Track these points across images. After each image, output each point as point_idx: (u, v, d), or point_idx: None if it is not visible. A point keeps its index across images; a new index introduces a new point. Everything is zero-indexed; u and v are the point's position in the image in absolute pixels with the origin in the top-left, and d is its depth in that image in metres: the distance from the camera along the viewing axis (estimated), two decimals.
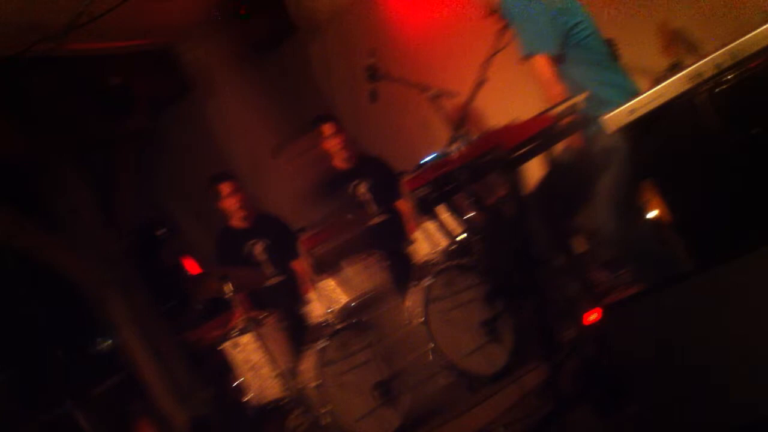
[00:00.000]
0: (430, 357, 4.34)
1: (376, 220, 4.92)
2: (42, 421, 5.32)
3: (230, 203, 5.37)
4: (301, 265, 5.00)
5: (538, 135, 3.19)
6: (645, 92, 2.66)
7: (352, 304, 4.55)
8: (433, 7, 6.05)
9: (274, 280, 5.01)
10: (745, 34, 2.53)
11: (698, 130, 2.61)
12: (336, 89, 6.43)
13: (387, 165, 5.40)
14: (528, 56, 3.34)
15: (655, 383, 2.43)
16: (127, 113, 6.52)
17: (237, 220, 5.40)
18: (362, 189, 5.18)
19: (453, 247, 4.58)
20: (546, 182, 3.57)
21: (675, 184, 2.73)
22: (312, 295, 4.61)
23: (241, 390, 4.62)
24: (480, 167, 3.28)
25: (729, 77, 2.55)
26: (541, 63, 3.33)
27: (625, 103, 2.69)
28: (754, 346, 2.27)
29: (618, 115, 2.70)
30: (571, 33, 3.38)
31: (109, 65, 6.31)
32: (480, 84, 3.56)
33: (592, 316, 3.06)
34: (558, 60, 3.34)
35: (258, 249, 5.21)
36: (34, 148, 5.82)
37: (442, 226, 4.61)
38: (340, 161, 5.37)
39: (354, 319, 4.50)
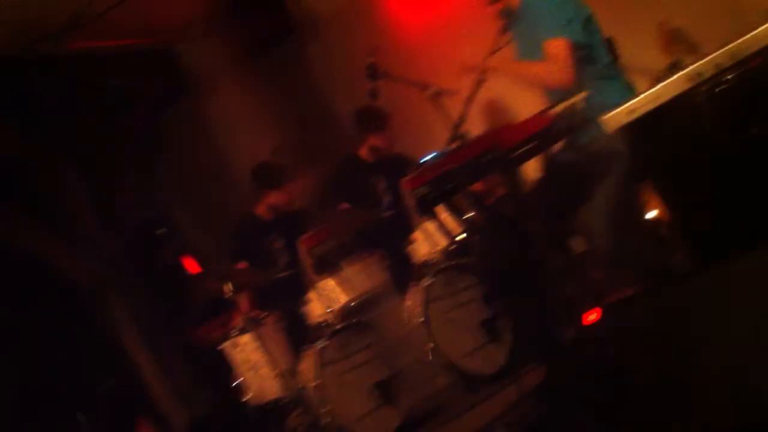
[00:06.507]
0: (430, 357, 4.34)
1: (383, 216, 4.92)
2: (42, 421, 5.31)
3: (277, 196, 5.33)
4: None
5: (537, 135, 3.19)
6: (645, 92, 2.66)
7: (352, 304, 4.55)
8: (433, 5, 6.04)
9: (283, 275, 5.00)
10: (745, 34, 2.53)
11: (698, 130, 2.61)
12: (336, 89, 6.43)
13: (406, 162, 5.31)
14: (551, 38, 3.32)
15: (656, 383, 2.43)
16: (127, 113, 6.51)
17: (264, 211, 5.37)
18: (382, 185, 5.17)
19: (453, 247, 4.57)
20: (545, 182, 3.57)
21: (675, 184, 2.72)
22: (312, 295, 4.61)
23: (241, 390, 4.62)
24: (480, 167, 3.27)
25: (729, 77, 2.54)
26: (561, 45, 3.32)
27: (624, 103, 2.69)
28: (754, 346, 2.27)
29: (618, 115, 2.70)
30: (586, 27, 3.39)
31: (109, 65, 6.30)
32: (480, 83, 3.56)
33: (592, 316, 3.05)
34: (577, 48, 3.34)
35: (278, 244, 5.19)
36: (34, 148, 5.82)
37: (442, 226, 4.60)
38: (366, 153, 5.35)
39: (354, 319, 4.50)
